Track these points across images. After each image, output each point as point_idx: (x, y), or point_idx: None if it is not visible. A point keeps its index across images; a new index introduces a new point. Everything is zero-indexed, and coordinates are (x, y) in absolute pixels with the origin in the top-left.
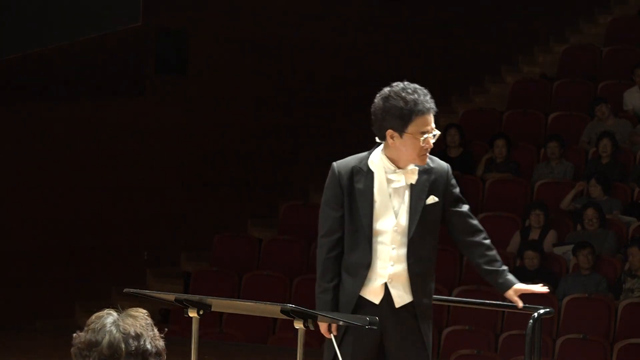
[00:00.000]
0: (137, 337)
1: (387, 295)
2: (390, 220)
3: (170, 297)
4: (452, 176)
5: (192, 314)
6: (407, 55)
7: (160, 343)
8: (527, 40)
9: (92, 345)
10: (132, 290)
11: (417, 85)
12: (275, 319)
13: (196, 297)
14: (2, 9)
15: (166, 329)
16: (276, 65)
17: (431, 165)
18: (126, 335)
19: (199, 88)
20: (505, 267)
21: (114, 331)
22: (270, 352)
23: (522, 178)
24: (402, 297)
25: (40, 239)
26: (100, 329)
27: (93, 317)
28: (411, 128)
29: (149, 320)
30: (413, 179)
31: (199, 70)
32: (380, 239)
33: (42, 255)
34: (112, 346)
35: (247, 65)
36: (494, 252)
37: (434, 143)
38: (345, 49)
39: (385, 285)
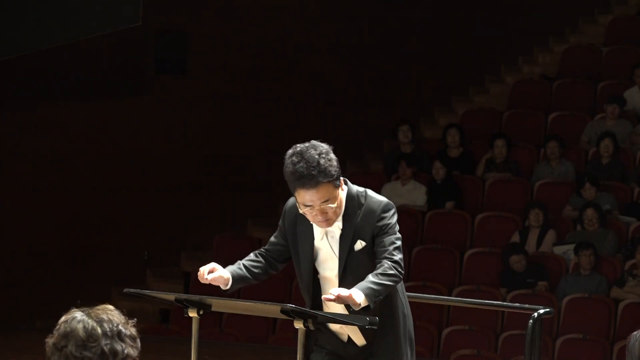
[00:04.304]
0: (110, 320)
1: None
2: (332, 266)
3: (170, 297)
4: (381, 213)
5: (192, 314)
6: (407, 55)
7: (133, 329)
8: (527, 40)
9: (67, 334)
10: (132, 290)
11: (307, 152)
12: (275, 319)
13: (196, 297)
14: (2, 9)
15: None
16: (276, 65)
17: (362, 205)
18: (100, 320)
19: (199, 88)
20: (368, 279)
21: (87, 319)
22: (270, 352)
23: (522, 178)
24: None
25: (40, 239)
26: (72, 320)
27: (62, 317)
28: (297, 199)
29: (118, 311)
30: (335, 231)
31: (199, 70)
32: (323, 286)
33: (42, 255)
34: (87, 330)
35: (247, 65)
36: (379, 271)
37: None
38: (346, 49)
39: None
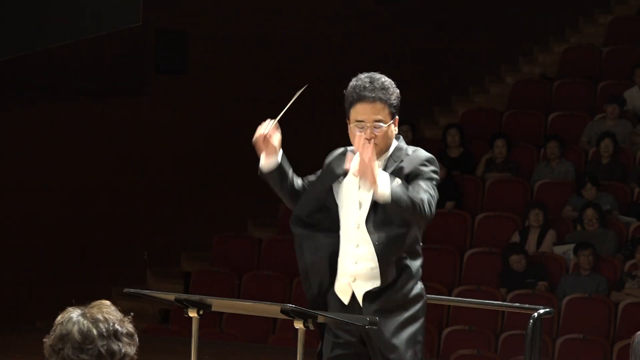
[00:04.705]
0: (106, 320)
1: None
2: (353, 217)
3: (170, 297)
4: (425, 161)
5: (192, 314)
6: (407, 55)
7: (130, 325)
8: (527, 40)
9: (63, 337)
10: (132, 290)
11: (375, 75)
12: (275, 319)
13: (196, 297)
14: (2, 9)
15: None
16: (276, 65)
17: (409, 154)
18: (95, 321)
19: (199, 88)
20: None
21: (82, 320)
22: (270, 352)
23: (522, 178)
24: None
25: (41, 239)
26: (68, 321)
27: (59, 317)
28: (351, 116)
29: (114, 307)
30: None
31: (199, 70)
32: (343, 247)
33: (42, 255)
34: (83, 332)
35: (247, 65)
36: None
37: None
38: (346, 48)
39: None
